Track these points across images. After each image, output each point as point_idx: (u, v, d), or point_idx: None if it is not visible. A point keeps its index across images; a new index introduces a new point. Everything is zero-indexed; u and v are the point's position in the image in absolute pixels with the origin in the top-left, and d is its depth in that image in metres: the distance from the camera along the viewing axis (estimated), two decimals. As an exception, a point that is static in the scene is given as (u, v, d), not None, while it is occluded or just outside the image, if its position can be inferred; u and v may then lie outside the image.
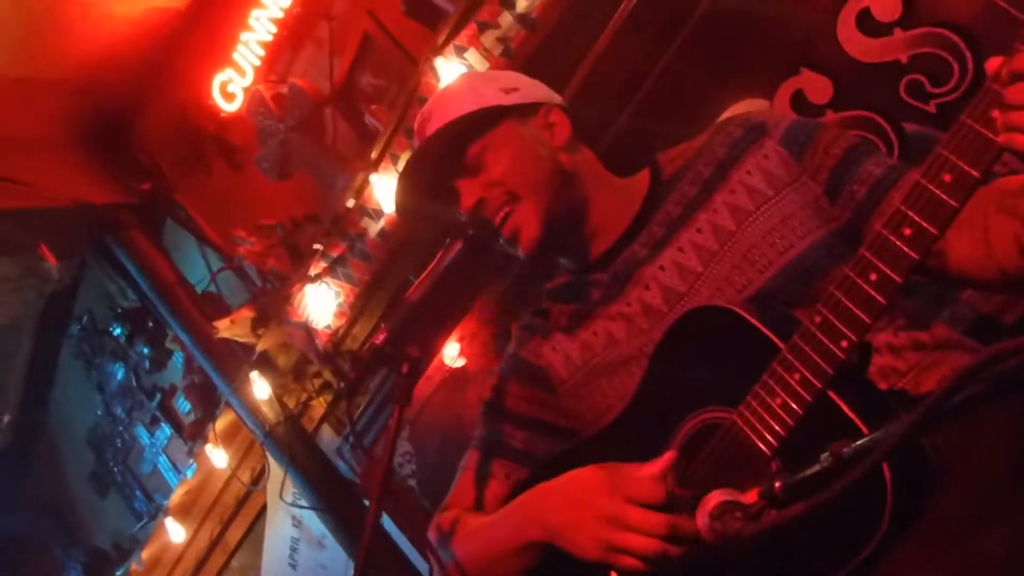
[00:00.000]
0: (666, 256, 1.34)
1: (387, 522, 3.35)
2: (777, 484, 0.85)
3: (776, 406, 1.06)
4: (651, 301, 1.33)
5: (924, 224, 0.94)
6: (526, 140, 1.40)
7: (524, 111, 1.42)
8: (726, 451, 1.12)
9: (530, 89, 1.47)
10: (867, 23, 1.91)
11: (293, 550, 3.95)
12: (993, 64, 0.89)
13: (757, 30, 2.08)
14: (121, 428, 4.72)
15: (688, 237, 1.32)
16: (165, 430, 4.52)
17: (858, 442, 0.81)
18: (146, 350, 4.33)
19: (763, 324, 1.10)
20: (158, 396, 4.48)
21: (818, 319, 1.03)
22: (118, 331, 4.46)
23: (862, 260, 0.99)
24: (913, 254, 0.95)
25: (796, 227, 1.26)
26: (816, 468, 0.81)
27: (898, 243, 0.96)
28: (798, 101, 2.03)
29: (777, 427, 1.05)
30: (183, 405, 4.38)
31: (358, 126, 3.27)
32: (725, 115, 2.35)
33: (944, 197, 0.92)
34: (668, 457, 1.11)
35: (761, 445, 1.07)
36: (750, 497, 0.99)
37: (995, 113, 0.89)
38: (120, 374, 4.65)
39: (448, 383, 2.88)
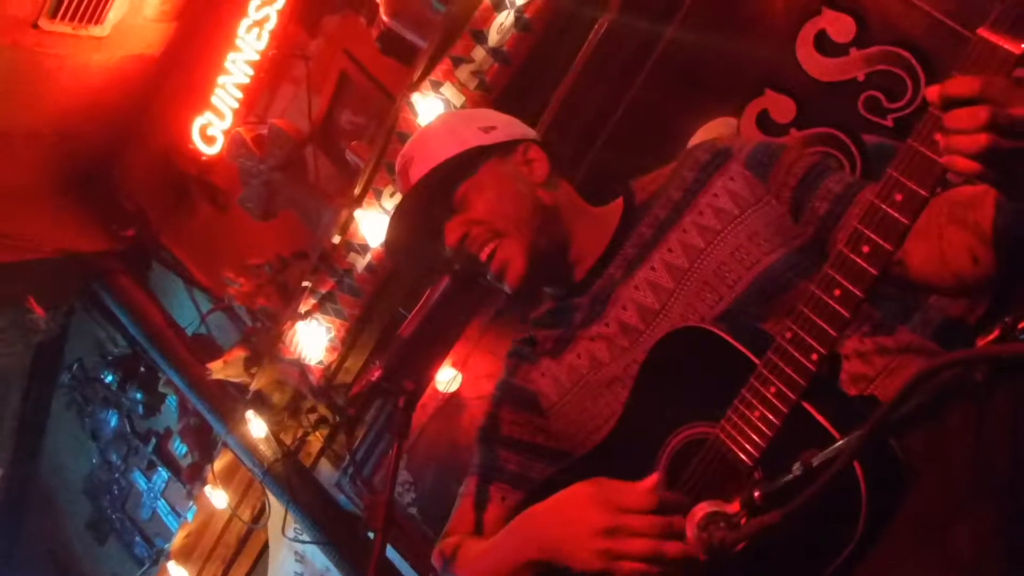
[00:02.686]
0: (640, 276, 1.40)
1: (391, 552, 3.39)
2: (756, 493, 0.91)
3: (755, 419, 1.12)
4: (628, 320, 1.40)
5: (880, 241, 1.01)
6: (507, 178, 1.46)
7: (503, 149, 1.49)
8: (711, 465, 1.19)
9: (507, 127, 1.54)
10: (824, 44, 2.00)
11: (297, 585, 3.98)
12: (932, 91, 0.97)
13: (720, 57, 2.17)
14: (117, 475, 4.73)
15: (660, 256, 1.39)
16: (162, 474, 4.54)
17: (825, 451, 0.87)
18: (139, 395, 4.36)
19: (738, 342, 1.17)
20: (153, 440, 4.50)
21: (789, 334, 1.10)
22: (109, 378, 4.48)
23: (826, 277, 1.06)
24: (872, 270, 1.02)
25: (762, 244, 1.33)
26: (790, 476, 0.87)
27: (858, 260, 1.03)
28: (763, 121, 2.11)
29: (757, 438, 1.12)
30: (179, 448, 4.41)
31: (339, 162, 3.35)
32: (696, 136, 2.45)
33: (896, 216, 0.99)
34: (654, 478, 1.16)
35: (743, 457, 1.13)
36: (734, 507, 1.06)
37: (937, 136, 0.96)
38: (114, 421, 4.67)
39: (442, 411, 2.93)
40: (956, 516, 0.99)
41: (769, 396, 1.11)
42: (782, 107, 2.09)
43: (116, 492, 4.74)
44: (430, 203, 1.48)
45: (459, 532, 1.47)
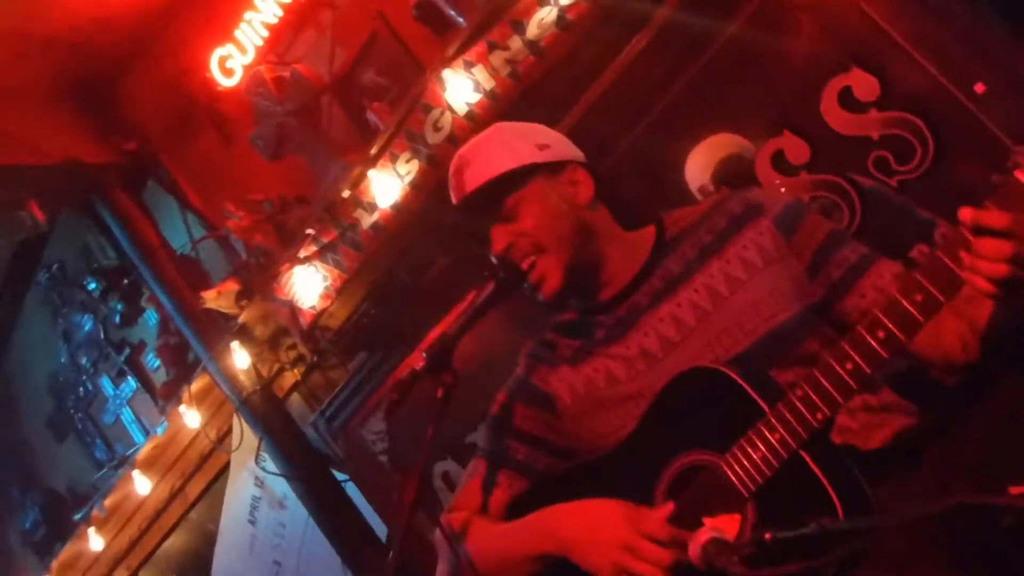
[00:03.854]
0: (664, 309, 1.53)
1: (353, 491, 3.53)
2: (767, 535, 1.06)
3: (757, 457, 1.28)
4: (648, 346, 1.53)
5: (895, 331, 1.16)
6: (554, 196, 1.56)
7: (553, 167, 1.58)
8: (710, 488, 1.34)
9: (559, 146, 1.63)
10: (848, 100, 2.13)
11: (253, 508, 4.11)
12: (966, 213, 1.10)
13: (747, 91, 2.28)
14: (85, 377, 4.76)
15: (686, 295, 1.52)
16: (131, 383, 4.58)
17: (843, 523, 1.02)
18: (119, 306, 4.38)
19: (753, 389, 1.31)
20: (127, 351, 4.53)
21: (800, 392, 1.25)
22: (92, 286, 4.49)
23: (841, 350, 1.21)
24: (884, 353, 1.17)
25: (779, 300, 1.46)
26: (804, 531, 1.01)
27: (872, 342, 1.18)
28: (778, 160, 2.24)
29: (756, 475, 1.28)
30: (152, 362, 4.46)
31: (354, 117, 3.38)
32: (700, 146, 2.57)
33: (915, 313, 1.14)
34: (671, 506, 1.32)
35: (741, 488, 1.29)
36: (732, 531, 1.22)
37: (963, 252, 1.10)
38: (88, 325, 4.69)
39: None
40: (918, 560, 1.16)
41: (773, 441, 1.27)
42: (798, 150, 2.22)
43: (81, 394, 4.78)
44: (480, 208, 1.57)
45: (465, 509, 1.60)
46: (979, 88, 1.95)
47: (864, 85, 2.09)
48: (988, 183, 1.10)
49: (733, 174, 2.52)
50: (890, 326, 1.16)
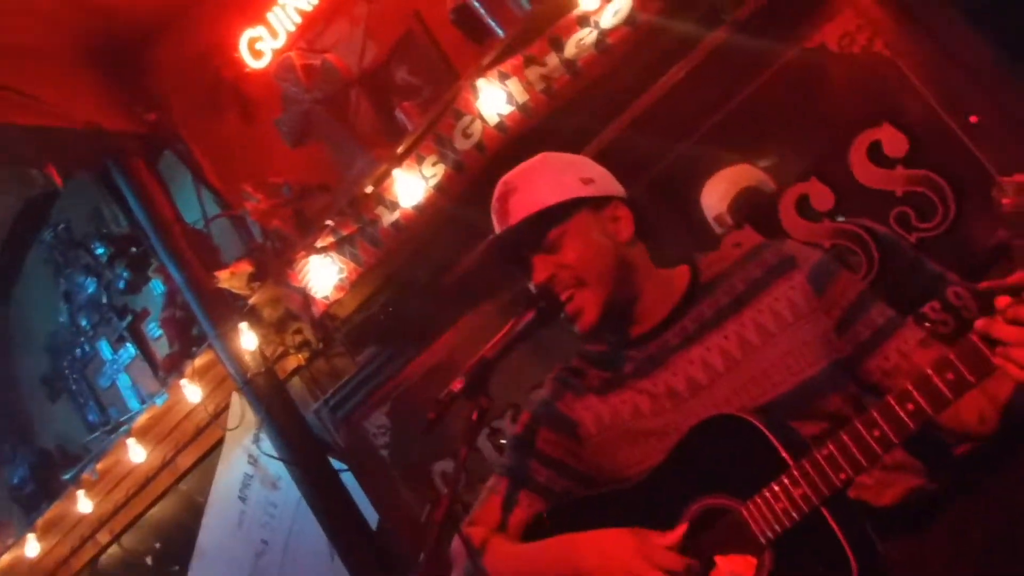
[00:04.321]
0: (695, 351, 1.59)
1: (350, 479, 3.59)
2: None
3: (778, 509, 1.35)
4: (676, 385, 1.59)
5: (924, 406, 1.22)
6: (596, 232, 1.61)
7: (597, 203, 1.63)
8: (729, 531, 1.41)
9: (603, 181, 1.67)
10: (876, 154, 2.19)
11: (245, 485, 4.15)
12: (1004, 301, 1.17)
13: (778, 134, 2.33)
14: (83, 339, 4.77)
15: (716, 341, 1.57)
16: (130, 350, 4.60)
17: None
18: (125, 273, 4.39)
19: (779, 442, 1.38)
20: (129, 317, 4.55)
21: (826, 452, 1.31)
22: (100, 250, 4.49)
23: (870, 419, 1.28)
24: (911, 425, 1.24)
25: (808, 354, 1.52)
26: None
27: (901, 414, 1.24)
28: (802, 205, 2.31)
29: (776, 525, 1.35)
30: (153, 331, 4.48)
31: (382, 113, 3.41)
32: (718, 176, 2.63)
33: (944, 391, 1.21)
34: (681, 530, 1.39)
35: (759, 536, 1.36)
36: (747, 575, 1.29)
37: (997, 334, 1.17)
38: (91, 288, 4.69)
39: (435, 372, 3.11)
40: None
41: (795, 495, 1.33)
42: (822, 197, 2.28)
43: (79, 355, 4.79)
44: (523, 237, 1.62)
45: (485, 524, 1.66)
46: (973, 119, 2.02)
47: (894, 141, 2.16)
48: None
49: (750, 206, 2.58)
50: (920, 400, 1.23)
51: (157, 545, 4.60)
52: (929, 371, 1.22)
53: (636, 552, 1.40)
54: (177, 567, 4.48)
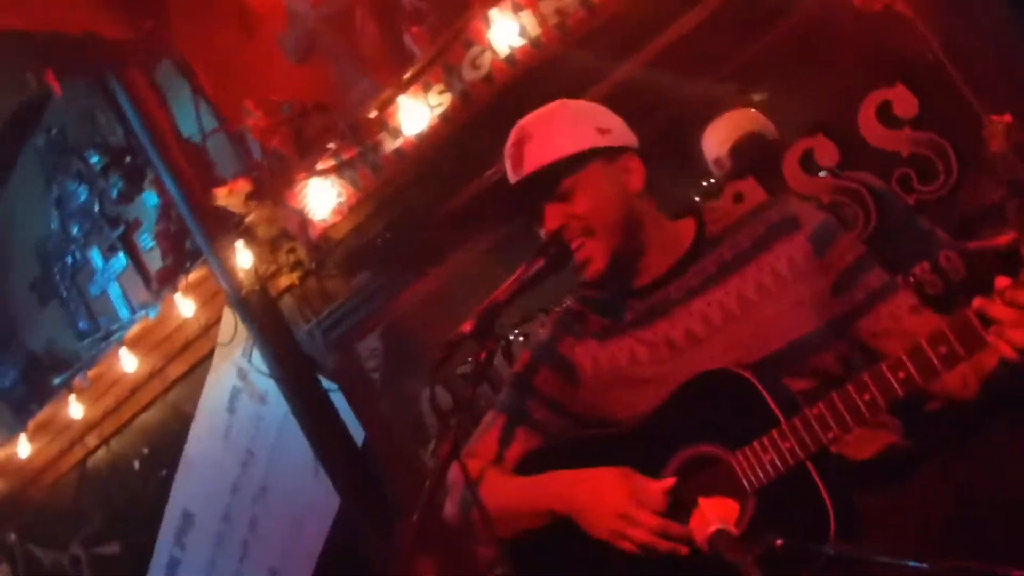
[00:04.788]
0: (695, 305, 1.62)
1: (338, 399, 3.67)
2: (778, 542, 1.20)
3: (765, 460, 1.41)
4: (674, 336, 1.63)
5: (915, 375, 1.28)
6: (608, 183, 1.62)
7: (611, 154, 1.64)
8: (716, 477, 1.47)
9: (619, 132, 1.67)
10: (886, 114, 2.20)
11: (233, 398, 4.23)
12: (1004, 282, 1.21)
13: (801, 76, 2.32)
14: (74, 247, 4.76)
15: (717, 296, 1.61)
16: (121, 260, 4.60)
17: (852, 551, 1.16)
18: (119, 183, 4.36)
19: (772, 398, 1.43)
20: (122, 227, 4.54)
21: (816, 411, 1.37)
22: (94, 159, 4.45)
23: (862, 383, 1.33)
24: (900, 392, 1.30)
25: (803, 313, 1.56)
26: (817, 550, 1.15)
27: (892, 381, 1.30)
28: (806, 159, 2.33)
29: (762, 475, 1.42)
30: (145, 242, 4.48)
31: (388, 37, 3.35)
32: (721, 119, 2.63)
33: (936, 363, 1.26)
34: (670, 481, 1.47)
35: (745, 484, 1.43)
36: (730, 518, 1.37)
37: (992, 315, 1.22)
38: (83, 196, 4.66)
39: (429, 302, 3.16)
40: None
41: (783, 448, 1.40)
42: (827, 152, 2.30)
43: (69, 263, 4.78)
44: (536, 185, 1.64)
45: (482, 457, 1.72)
46: (1007, 119, 2.05)
47: (905, 103, 2.17)
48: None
49: (752, 153, 2.59)
50: (912, 369, 1.28)
51: (145, 450, 4.69)
52: (923, 342, 1.27)
53: (628, 493, 1.47)
54: (164, 472, 4.59)
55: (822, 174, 2.39)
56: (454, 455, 1.49)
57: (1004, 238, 2.21)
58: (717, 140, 2.70)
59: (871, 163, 2.25)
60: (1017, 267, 2.25)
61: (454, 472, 1.70)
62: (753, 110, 2.60)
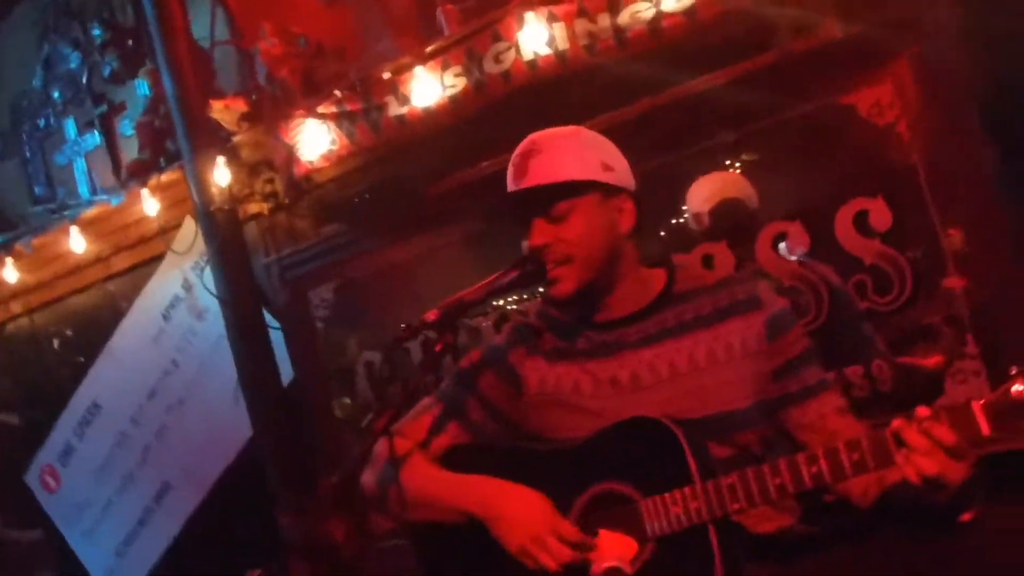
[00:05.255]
0: (647, 353, 1.70)
1: (278, 338, 3.68)
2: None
3: (673, 513, 1.51)
4: (620, 378, 1.70)
5: (826, 474, 1.38)
6: (600, 217, 1.68)
7: (610, 191, 1.70)
8: (622, 517, 1.56)
9: (621, 173, 1.72)
10: (861, 221, 2.33)
11: (172, 306, 4.21)
12: (924, 412, 1.32)
13: (800, 163, 2.44)
14: (51, 111, 4.65)
15: (669, 350, 1.69)
16: (96, 138, 4.51)
17: None
18: (114, 63, 4.27)
19: (694, 457, 1.53)
20: (104, 106, 4.45)
21: (730, 481, 1.47)
22: (96, 32, 4.34)
23: (777, 467, 1.43)
24: (808, 484, 1.40)
25: (741, 389, 1.65)
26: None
27: (804, 473, 1.40)
28: (776, 242, 2.45)
29: (666, 525, 1.51)
30: (126, 128, 4.39)
31: (420, 4, 3.37)
32: (711, 177, 2.74)
33: (847, 467, 1.37)
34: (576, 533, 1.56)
35: (648, 529, 1.52)
36: (625, 557, 1.47)
37: (907, 436, 1.32)
38: (74, 63, 4.53)
39: (389, 273, 3.20)
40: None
41: (691, 507, 1.49)
42: (800, 240, 2.42)
43: (41, 125, 4.66)
44: (533, 199, 1.70)
45: (411, 438, 1.77)
46: (952, 232, 2.19)
47: (881, 216, 2.29)
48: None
49: (730, 218, 2.70)
50: (824, 467, 1.39)
51: (68, 332, 4.63)
52: (841, 446, 1.38)
53: (547, 519, 1.55)
54: (82, 359, 4.55)
55: (791, 257, 2.50)
56: (388, 431, 1.56)
57: (932, 360, 2.36)
58: (702, 197, 2.79)
59: (836, 260, 2.37)
60: (939, 389, 2.43)
61: (380, 446, 1.76)
62: (742, 176, 2.71)
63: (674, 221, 2.78)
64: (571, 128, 1.77)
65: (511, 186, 1.71)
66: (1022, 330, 2.22)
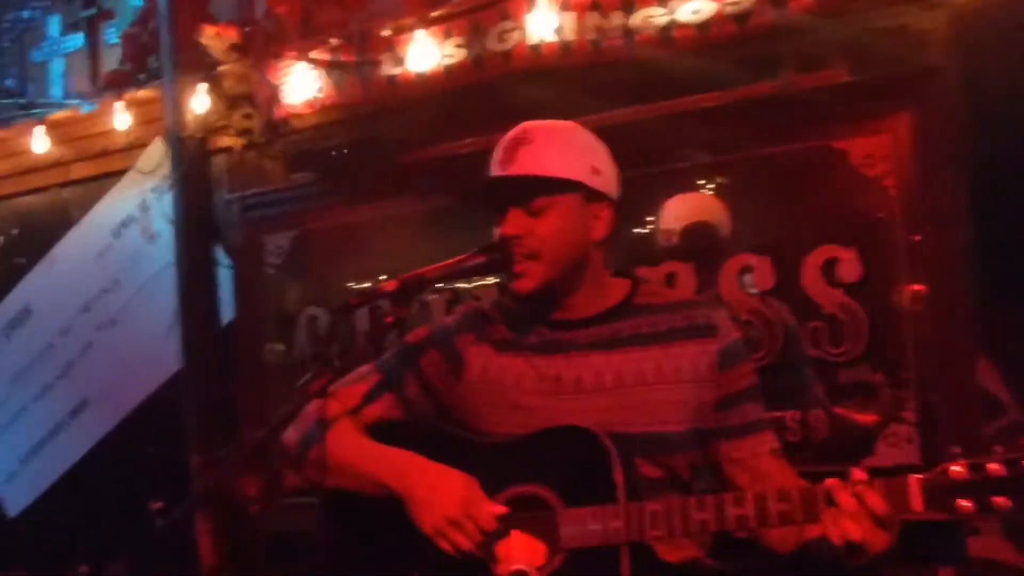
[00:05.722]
0: (595, 358, 1.65)
1: (225, 277, 3.56)
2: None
3: (590, 527, 1.46)
4: (564, 377, 1.65)
5: (751, 519, 1.34)
6: (576, 219, 1.62)
7: (592, 195, 1.64)
8: (539, 523, 1.51)
9: (608, 180, 1.66)
10: (829, 270, 2.30)
11: (124, 224, 4.05)
12: (860, 475, 1.29)
13: (779, 198, 2.41)
14: (35, 5, 4.44)
15: (617, 360, 1.64)
16: (78, 40, 4.32)
17: None
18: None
19: (622, 477, 1.47)
20: (93, 10, 4.26)
21: (653, 507, 1.42)
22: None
23: (702, 502, 1.39)
24: (732, 526, 1.36)
25: (680, 412, 1.61)
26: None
27: (729, 514, 1.36)
28: (741, 275, 2.41)
29: (580, 539, 1.46)
30: (110, 36, 4.22)
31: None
32: (688, 197, 2.70)
33: (773, 516, 1.33)
34: (504, 510, 1.50)
35: (562, 540, 1.47)
36: (535, 562, 1.42)
37: (838, 497, 1.29)
38: (70, -41, 4.35)
39: (348, 232, 3.11)
40: None
41: (610, 526, 1.44)
42: (764, 276, 2.38)
43: (23, 17, 4.45)
44: (513, 188, 1.63)
45: (342, 403, 1.70)
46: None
47: (850, 268, 2.27)
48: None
49: (701, 240, 2.66)
50: (750, 512, 1.34)
51: (14, 231, 4.45)
52: (771, 493, 1.34)
53: (466, 502, 1.49)
54: (24, 260, 4.37)
55: (751, 291, 2.47)
56: (323, 394, 1.49)
57: (868, 417, 2.35)
58: (676, 214, 2.76)
59: (796, 302, 2.34)
60: (869, 449, 2.41)
61: (311, 407, 1.68)
62: (719, 202, 2.67)
63: (636, 230, 2.72)
64: (567, 123, 1.71)
65: (496, 170, 1.66)
66: (962, 409, 2.21)
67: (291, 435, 1.70)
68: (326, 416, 1.64)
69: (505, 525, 1.51)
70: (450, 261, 1.57)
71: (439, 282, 1.57)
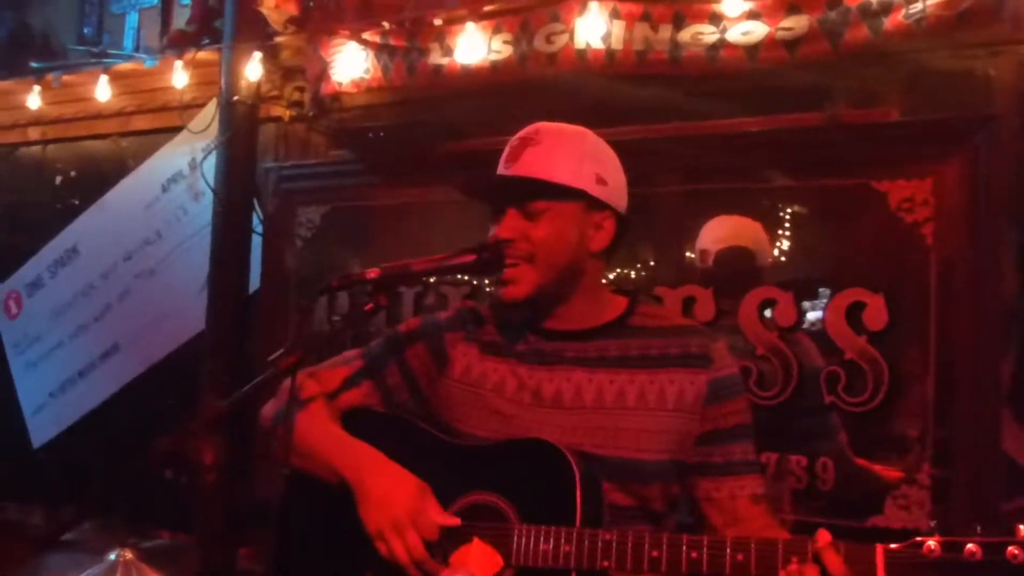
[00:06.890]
0: (579, 375, 1.56)
1: (257, 245, 3.57)
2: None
3: (542, 548, 1.37)
4: (544, 390, 1.57)
5: (703, 563, 1.25)
6: (575, 227, 1.54)
7: (595, 205, 1.56)
8: (492, 534, 1.43)
9: (614, 190, 1.58)
10: (854, 314, 2.17)
11: (173, 180, 4.10)
12: (825, 537, 1.18)
13: (814, 234, 2.28)
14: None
15: (601, 379, 1.55)
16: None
17: None
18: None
19: (582, 502, 1.39)
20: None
21: (608, 537, 1.34)
22: None
23: (657, 540, 1.29)
24: (683, 568, 1.27)
25: (660, 442, 1.51)
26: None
27: (683, 556, 1.27)
28: (762, 309, 2.29)
29: (531, 557, 1.38)
30: (184, -1, 4.28)
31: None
32: (731, 219, 2.59)
33: (727, 567, 1.24)
34: (454, 522, 1.43)
35: (513, 556, 1.39)
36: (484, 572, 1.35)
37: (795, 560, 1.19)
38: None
39: (379, 214, 3.08)
40: None
41: (562, 549, 1.36)
42: (788, 313, 2.26)
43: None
44: (513, 188, 1.56)
45: (322, 385, 1.65)
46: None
47: (877, 315, 2.13)
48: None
49: (734, 266, 2.54)
50: (704, 556, 1.25)
51: (72, 173, 4.56)
52: (728, 540, 1.25)
53: (412, 510, 1.42)
54: (77, 202, 4.47)
55: (772, 327, 2.35)
56: (291, 371, 1.44)
57: (895, 473, 2.19)
58: (714, 236, 2.65)
59: (817, 343, 2.22)
60: (878, 508, 2.25)
61: (287, 384, 1.64)
62: (760, 228, 2.55)
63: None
64: (579, 129, 1.63)
65: (500, 168, 1.59)
66: (981, 478, 2.06)
67: (267, 410, 1.67)
68: (300, 395, 1.60)
69: (452, 536, 1.44)
70: (439, 256, 1.51)
71: (424, 276, 1.50)
